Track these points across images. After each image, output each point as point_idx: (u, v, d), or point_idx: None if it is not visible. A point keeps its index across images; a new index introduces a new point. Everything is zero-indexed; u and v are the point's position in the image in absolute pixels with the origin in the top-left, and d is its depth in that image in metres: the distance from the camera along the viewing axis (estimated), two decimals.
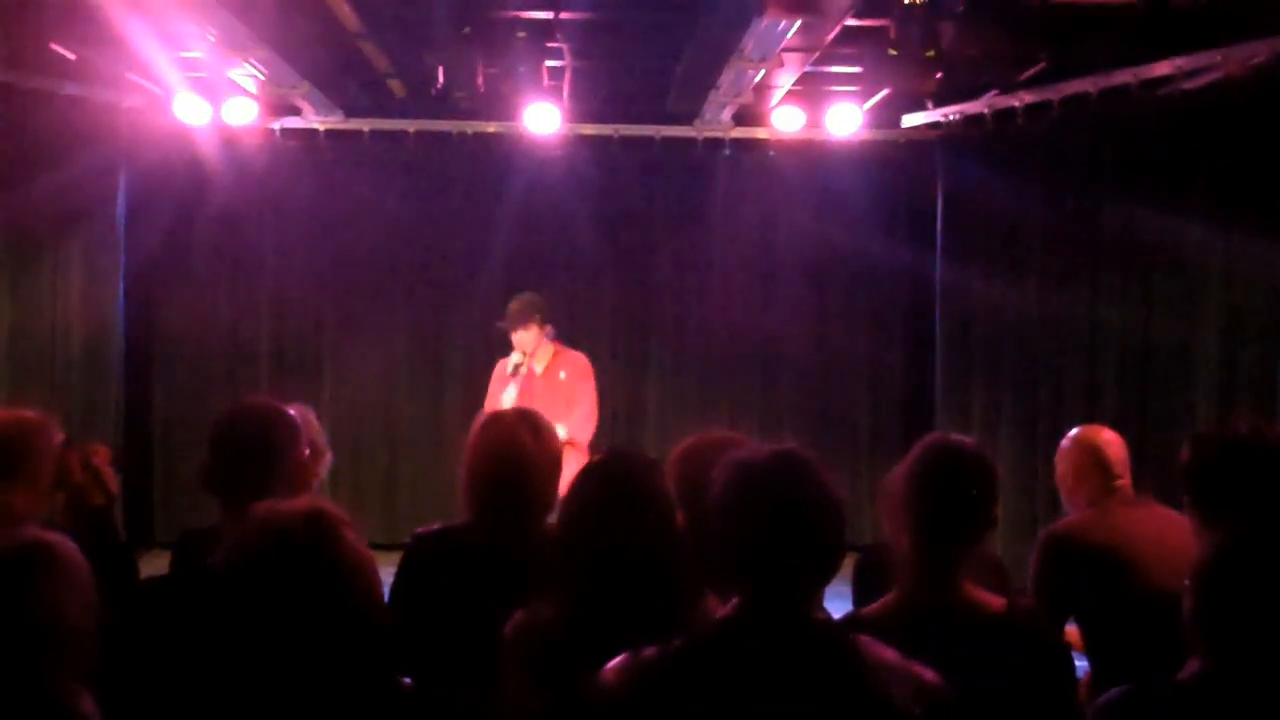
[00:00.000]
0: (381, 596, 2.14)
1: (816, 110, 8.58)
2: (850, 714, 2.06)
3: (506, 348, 7.06)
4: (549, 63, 7.73)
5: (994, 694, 2.45)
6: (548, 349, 6.94)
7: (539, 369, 6.89)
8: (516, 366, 6.82)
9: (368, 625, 2.05)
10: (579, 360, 7.01)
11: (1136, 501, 3.97)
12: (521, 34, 7.16)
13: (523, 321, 6.84)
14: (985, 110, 8.13)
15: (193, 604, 2.51)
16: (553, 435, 3.40)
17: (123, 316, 8.92)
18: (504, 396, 6.72)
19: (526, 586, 2.65)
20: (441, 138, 8.96)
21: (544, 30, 7.12)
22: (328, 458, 3.21)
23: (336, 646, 2.01)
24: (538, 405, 6.49)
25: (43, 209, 8.32)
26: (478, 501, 3.30)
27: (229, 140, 8.80)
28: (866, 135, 8.93)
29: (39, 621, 2.15)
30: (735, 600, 2.15)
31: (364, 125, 8.92)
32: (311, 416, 3.24)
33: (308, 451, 3.11)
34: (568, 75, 7.99)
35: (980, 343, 8.61)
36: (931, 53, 6.82)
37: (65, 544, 2.26)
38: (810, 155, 9.19)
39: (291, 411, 3.17)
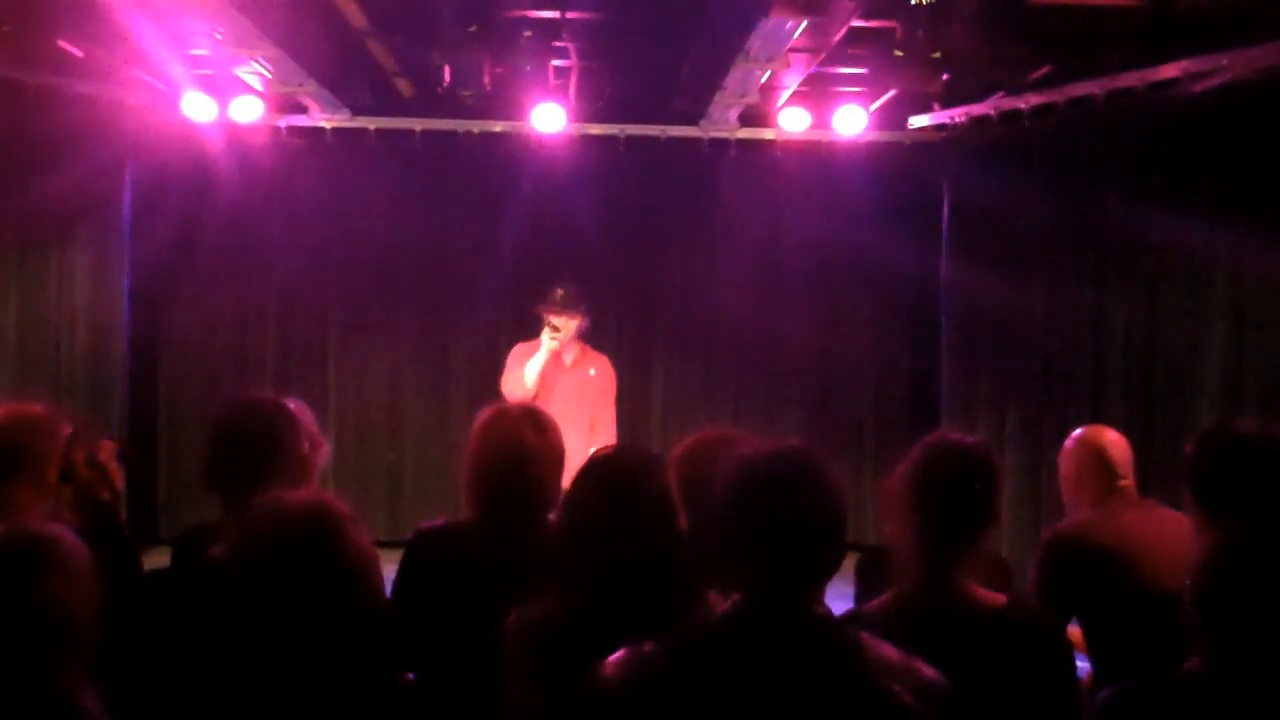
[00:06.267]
0: (383, 590, 2.14)
1: (823, 111, 8.56)
2: (850, 710, 2.06)
3: (521, 336, 7.05)
4: (555, 62, 7.74)
5: (995, 691, 2.45)
6: (575, 345, 6.85)
7: (567, 361, 6.79)
8: (555, 336, 6.65)
9: (369, 619, 2.05)
10: (606, 364, 6.94)
11: (1140, 502, 3.98)
12: (528, 33, 7.17)
13: (571, 306, 6.72)
14: (992, 112, 8.11)
15: (195, 598, 2.51)
16: (556, 431, 3.39)
17: (128, 313, 8.92)
18: (528, 369, 6.64)
19: (529, 582, 2.65)
20: (448, 137, 8.95)
21: (551, 30, 7.13)
22: (325, 448, 3.19)
23: (337, 639, 2.01)
24: (561, 394, 6.61)
25: (49, 206, 8.30)
26: (480, 497, 3.30)
27: (235, 138, 8.79)
28: (873, 136, 8.90)
29: (42, 615, 2.15)
30: (737, 596, 2.16)
31: (370, 124, 8.91)
32: (305, 408, 3.22)
33: (307, 445, 3.09)
34: (574, 75, 7.98)
35: (986, 343, 8.59)
36: (938, 54, 6.82)
37: (68, 537, 2.25)
38: (816, 156, 9.17)
39: (290, 404, 3.15)
